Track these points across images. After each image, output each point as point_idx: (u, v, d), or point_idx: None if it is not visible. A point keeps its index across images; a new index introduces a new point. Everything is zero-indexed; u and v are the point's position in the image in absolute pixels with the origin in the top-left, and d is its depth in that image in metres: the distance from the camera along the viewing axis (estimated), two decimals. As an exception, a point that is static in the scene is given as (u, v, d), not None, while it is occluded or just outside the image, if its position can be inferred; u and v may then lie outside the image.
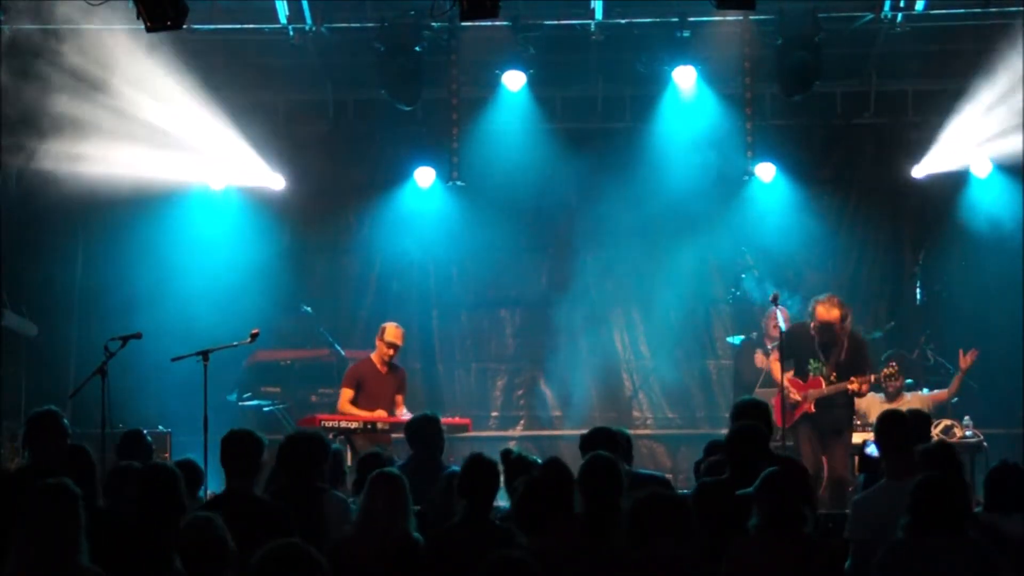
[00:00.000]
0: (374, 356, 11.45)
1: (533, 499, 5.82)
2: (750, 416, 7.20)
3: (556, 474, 6.02)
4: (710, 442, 8.18)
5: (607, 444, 7.02)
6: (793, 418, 10.51)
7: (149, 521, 5.84)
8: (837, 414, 10.42)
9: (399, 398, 11.41)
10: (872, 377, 10.60)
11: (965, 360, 11.80)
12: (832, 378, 10.40)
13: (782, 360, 10.55)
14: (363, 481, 6.48)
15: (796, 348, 10.60)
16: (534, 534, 5.73)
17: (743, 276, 13.35)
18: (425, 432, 8.41)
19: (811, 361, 10.48)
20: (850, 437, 10.47)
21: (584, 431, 7.67)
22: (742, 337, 12.97)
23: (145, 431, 8.40)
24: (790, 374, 10.68)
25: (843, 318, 10.44)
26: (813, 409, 10.33)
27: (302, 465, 6.73)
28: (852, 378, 10.32)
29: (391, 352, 11.35)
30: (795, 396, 10.46)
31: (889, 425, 6.85)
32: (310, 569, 4.51)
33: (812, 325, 10.51)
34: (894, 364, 10.95)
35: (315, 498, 6.52)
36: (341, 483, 7.77)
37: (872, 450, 9.10)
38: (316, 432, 7.35)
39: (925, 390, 12.20)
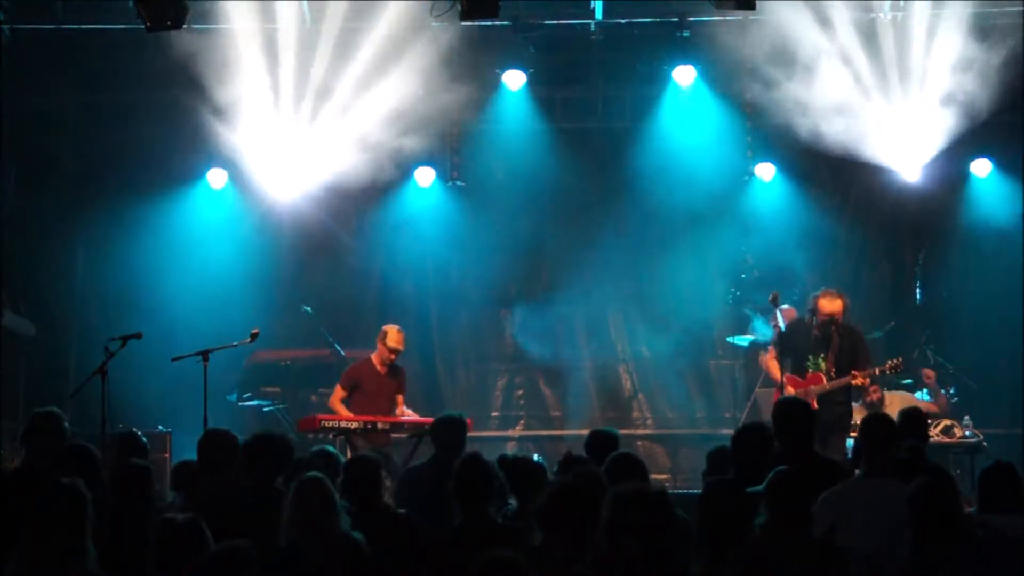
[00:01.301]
0: (374, 357, 11.44)
1: (563, 501, 5.78)
2: (789, 418, 7.14)
3: (590, 480, 5.99)
4: (712, 452, 8.15)
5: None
6: None
7: (121, 518, 5.84)
8: (838, 411, 10.35)
9: (400, 398, 11.41)
10: (876, 370, 10.54)
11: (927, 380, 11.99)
12: (832, 373, 10.35)
13: (780, 358, 10.51)
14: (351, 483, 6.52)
15: (794, 345, 10.54)
16: (554, 534, 5.69)
17: (743, 276, 13.35)
18: (451, 433, 8.40)
19: (809, 357, 10.44)
20: (846, 437, 10.45)
21: (584, 431, 7.68)
22: (743, 337, 12.97)
23: (140, 432, 8.37)
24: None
25: (845, 309, 10.42)
26: (816, 405, 10.29)
27: (262, 466, 6.73)
28: (854, 372, 10.28)
29: (392, 357, 11.36)
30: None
31: (871, 425, 6.86)
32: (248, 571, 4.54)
33: (811, 320, 10.48)
34: (900, 360, 10.83)
35: (272, 500, 6.50)
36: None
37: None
38: (281, 434, 7.33)
39: (921, 395, 12.15)
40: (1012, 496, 6.32)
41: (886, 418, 7.03)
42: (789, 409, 7.25)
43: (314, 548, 5.84)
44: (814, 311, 10.42)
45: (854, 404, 11.63)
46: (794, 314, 11.54)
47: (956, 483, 6.14)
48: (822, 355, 10.39)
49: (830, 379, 10.32)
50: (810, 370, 10.43)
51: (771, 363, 10.82)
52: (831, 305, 10.35)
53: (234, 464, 6.73)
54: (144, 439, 8.02)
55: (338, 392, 11.34)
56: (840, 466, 7.35)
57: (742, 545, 5.72)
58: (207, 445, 6.77)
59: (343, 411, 11.17)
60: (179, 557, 5.23)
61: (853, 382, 10.25)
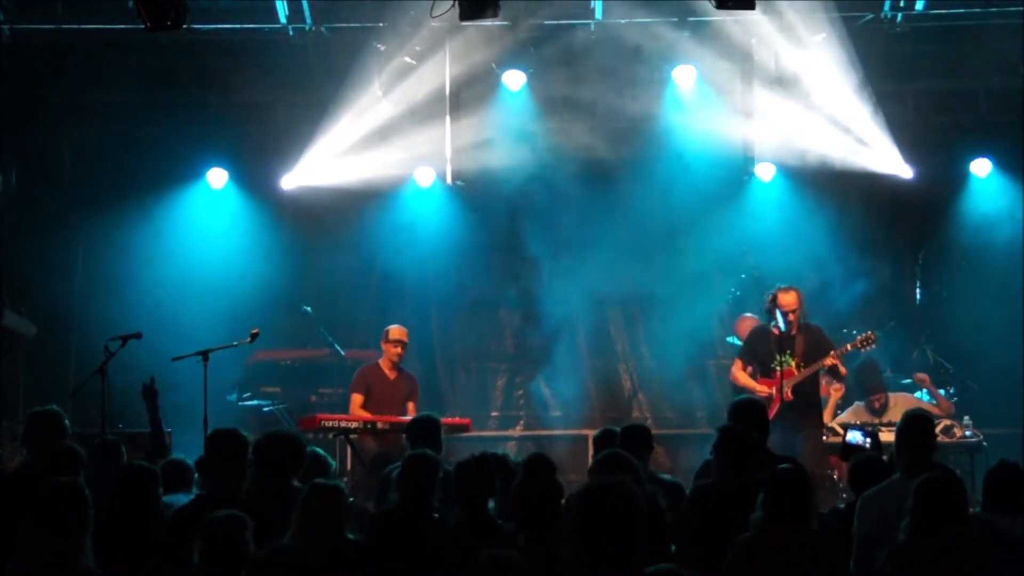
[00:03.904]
0: (382, 361, 11.43)
1: (520, 500, 5.85)
2: (743, 417, 7.22)
3: (540, 474, 6.03)
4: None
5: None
6: (770, 415, 10.42)
7: (123, 520, 5.84)
8: (810, 402, 10.41)
9: (411, 405, 11.35)
10: (848, 346, 10.67)
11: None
12: (802, 367, 10.41)
13: (745, 366, 10.71)
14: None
15: (758, 349, 10.64)
16: (527, 534, 5.74)
17: (743, 276, 13.34)
18: (424, 433, 8.42)
19: (776, 357, 10.48)
20: (820, 433, 10.51)
21: (583, 431, 7.71)
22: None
23: (138, 432, 8.36)
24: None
25: (800, 301, 10.54)
26: (791, 396, 10.31)
27: (276, 464, 6.74)
28: (830, 352, 10.36)
29: (399, 351, 11.35)
30: (766, 391, 10.40)
31: (911, 425, 6.87)
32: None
33: (770, 320, 10.54)
34: (871, 332, 10.91)
35: (288, 498, 6.51)
36: None
37: (852, 437, 9.12)
38: (293, 433, 7.34)
39: (921, 395, 12.17)
40: (1016, 496, 6.33)
41: (923, 419, 7.05)
42: (743, 409, 7.38)
43: (312, 548, 5.85)
44: (772, 310, 10.49)
45: (859, 404, 11.72)
46: (755, 321, 11.59)
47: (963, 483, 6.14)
48: (788, 352, 10.45)
49: (800, 371, 10.40)
50: (778, 369, 10.46)
51: (738, 374, 10.87)
52: (786, 298, 10.48)
53: (242, 463, 6.73)
54: (123, 446, 7.99)
55: (356, 399, 11.27)
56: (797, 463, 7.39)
57: (741, 544, 5.72)
58: (216, 444, 6.75)
59: (368, 417, 11.08)
60: (222, 554, 5.23)
61: (825, 363, 10.33)
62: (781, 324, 10.52)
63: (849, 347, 10.71)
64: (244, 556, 5.22)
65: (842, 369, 10.67)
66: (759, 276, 13.16)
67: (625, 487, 4.62)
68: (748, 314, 12.39)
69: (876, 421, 11.27)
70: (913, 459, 6.68)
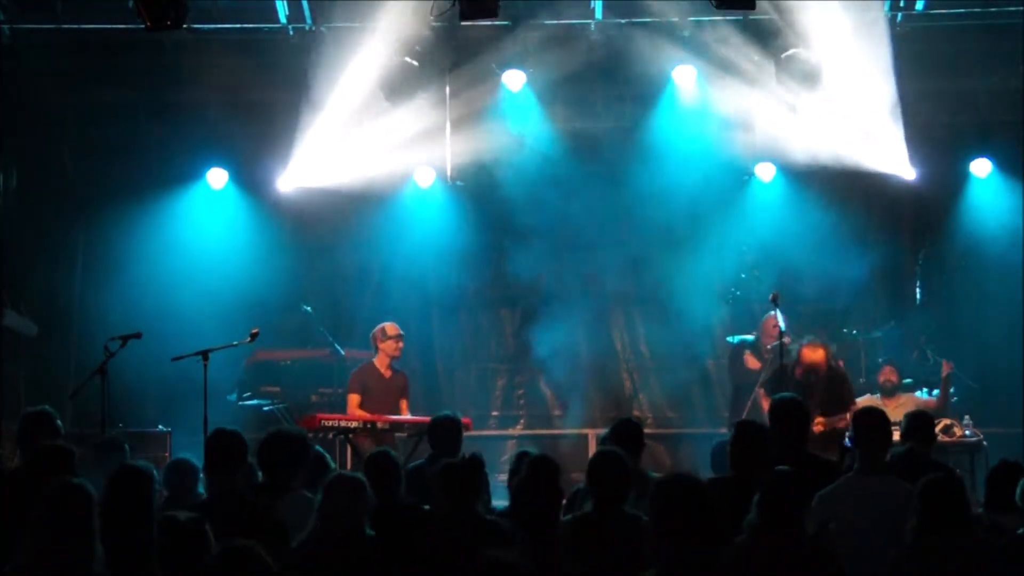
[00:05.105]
0: (377, 361, 11.43)
1: (521, 501, 5.85)
2: (784, 418, 7.20)
3: (542, 474, 6.02)
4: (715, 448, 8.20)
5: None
6: None
7: (119, 522, 5.82)
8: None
9: (403, 403, 11.37)
10: (857, 401, 10.75)
11: (943, 372, 11.93)
12: (816, 417, 10.37)
13: (768, 395, 10.77)
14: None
15: (781, 390, 10.66)
16: (527, 535, 5.74)
17: (743, 276, 13.34)
18: (446, 431, 8.46)
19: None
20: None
21: (584, 431, 7.70)
22: (741, 337, 12.96)
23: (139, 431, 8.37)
24: None
25: (828, 357, 10.71)
26: None
27: (279, 464, 6.75)
28: (818, 419, 10.30)
29: (401, 344, 11.39)
30: None
31: (864, 421, 6.87)
32: (260, 572, 4.54)
33: (797, 370, 10.59)
34: (889, 369, 10.95)
35: (278, 497, 6.50)
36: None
37: (845, 439, 9.14)
38: (296, 432, 7.33)
39: (921, 394, 12.18)
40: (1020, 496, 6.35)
41: (881, 415, 7.05)
42: (784, 408, 7.32)
43: (332, 541, 5.85)
44: (798, 360, 10.58)
45: (873, 395, 11.75)
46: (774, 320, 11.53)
47: (964, 482, 6.15)
48: (809, 400, 10.46)
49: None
50: None
51: (765, 401, 10.94)
52: (813, 355, 10.61)
53: (242, 465, 6.73)
54: (128, 446, 8.00)
55: (353, 399, 11.26)
56: (834, 466, 7.38)
57: (736, 545, 5.71)
58: (216, 445, 6.75)
59: (367, 417, 11.10)
60: (182, 556, 5.22)
61: (815, 429, 10.21)
62: (782, 324, 10.53)
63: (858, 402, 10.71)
64: (201, 559, 5.18)
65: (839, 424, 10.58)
66: (759, 276, 13.19)
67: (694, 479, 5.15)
68: (772, 313, 12.16)
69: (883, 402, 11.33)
70: (870, 456, 6.68)
